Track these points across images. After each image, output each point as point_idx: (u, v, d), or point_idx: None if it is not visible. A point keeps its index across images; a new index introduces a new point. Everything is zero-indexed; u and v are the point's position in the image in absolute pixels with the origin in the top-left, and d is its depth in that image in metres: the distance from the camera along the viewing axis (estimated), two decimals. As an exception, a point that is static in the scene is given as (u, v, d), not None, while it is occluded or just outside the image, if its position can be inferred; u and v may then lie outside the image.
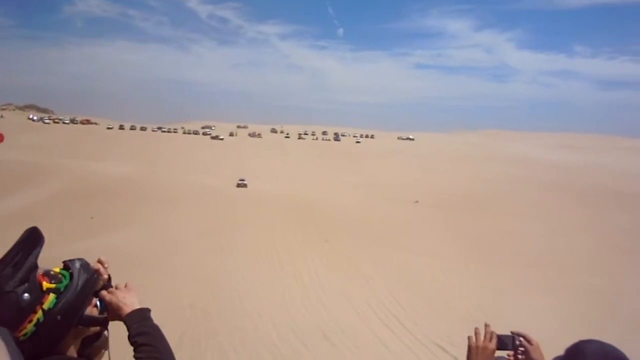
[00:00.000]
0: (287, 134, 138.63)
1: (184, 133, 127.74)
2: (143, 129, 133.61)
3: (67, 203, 45.69)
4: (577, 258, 38.22)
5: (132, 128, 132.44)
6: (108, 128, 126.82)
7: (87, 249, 30.57)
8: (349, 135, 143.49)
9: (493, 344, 1.96)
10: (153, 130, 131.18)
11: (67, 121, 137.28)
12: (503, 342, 1.98)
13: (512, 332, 1.99)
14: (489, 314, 27.30)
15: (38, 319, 1.64)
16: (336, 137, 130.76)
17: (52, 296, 1.70)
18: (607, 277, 34.15)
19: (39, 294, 1.67)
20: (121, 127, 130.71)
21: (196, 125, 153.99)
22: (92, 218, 42.66)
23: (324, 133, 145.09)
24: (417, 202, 53.40)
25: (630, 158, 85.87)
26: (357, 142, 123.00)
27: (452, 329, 24.50)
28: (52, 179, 55.51)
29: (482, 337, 1.96)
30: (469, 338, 2.01)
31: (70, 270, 1.85)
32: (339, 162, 77.58)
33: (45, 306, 1.66)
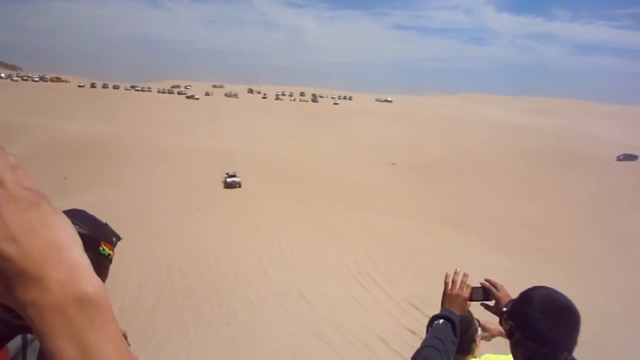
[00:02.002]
0: (265, 94, 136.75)
1: (158, 92, 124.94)
2: (116, 87, 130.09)
3: (39, 163, 44.72)
4: (546, 220, 39.34)
5: (104, 86, 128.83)
6: (79, 86, 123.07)
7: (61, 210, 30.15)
8: (326, 97, 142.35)
9: (466, 293, 2.08)
10: (126, 89, 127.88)
11: (36, 79, 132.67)
12: (476, 294, 2.08)
13: (482, 283, 2.08)
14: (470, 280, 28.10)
15: None
16: (314, 99, 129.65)
17: None
18: (575, 239, 35.35)
19: None
20: (93, 86, 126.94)
21: (170, 85, 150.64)
22: (65, 178, 41.93)
23: (302, 94, 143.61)
24: (393, 164, 53.79)
25: (600, 123, 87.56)
26: (335, 103, 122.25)
27: (425, 288, 25.19)
28: (23, 138, 54.05)
29: (457, 286, 2.08)
30: (445, 284, 2.14)
31: None
32: (317, 123, 77.23)
33: None
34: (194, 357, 18.12)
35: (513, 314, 1.69)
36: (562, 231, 37.09)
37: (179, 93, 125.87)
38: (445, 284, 2.13)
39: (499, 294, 2.04)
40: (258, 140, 63.26)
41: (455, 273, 2.14)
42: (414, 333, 20.65)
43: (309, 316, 22.17)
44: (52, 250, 0.52)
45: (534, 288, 1.70)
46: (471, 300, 2.06)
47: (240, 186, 42.14)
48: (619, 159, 58.91)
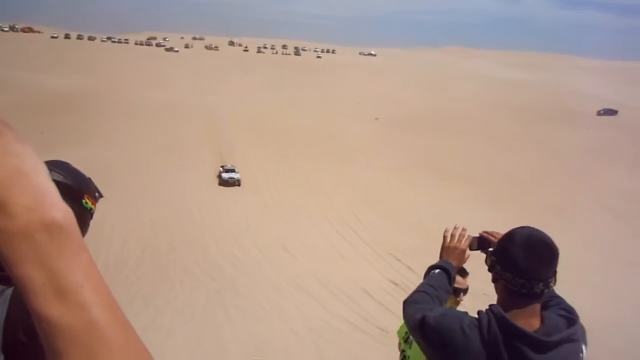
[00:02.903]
0: (246, 47, 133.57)
1: (136, 44, 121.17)
2: (91, 38, 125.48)
3: (13, 118, 43.40)
4: (528, 174, 39.94)
5: (79, 38, 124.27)
6: (52, 37, 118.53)
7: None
8: (309, 50, 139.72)
9: (464, 245, 2.15)
10: (102, 41, 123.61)
11: (5, 28, 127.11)
12: (476, 244, 2.13)
13: (480, 234, 2.13)
14: (444, 227, 28.66)
15: None
16: (296, 52, 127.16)
17: None
18: (555, 192, 36.06)
19: None
20: (67, 37, 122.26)
21: (147, 36, 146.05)
22: (42, 133, 40.99)
23: (284, 47, 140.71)
24: (377, 119, 53.58)
25: (584, 78, 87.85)
26: (318, 57, 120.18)
27: (407, 240, 25.70)
28: (-5, 91, 52.31)
29: (455, 239, 2.16)
30: (444, 238, 2.23)
31: None
32: (300, 77, 76.03)
33: None
34: (180, 310, 18.39)
35: (496, 250, 1.77)
36: (543, 184, 37.78)
37: (157, 45, 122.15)
38: (444, 237, 2.21)
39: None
40: (241, 94, 62.26)
41: (455, 228, 2.20)
42: (396, 284, 21.18)
43: (294, 269, 22.54)
44: (18, 176, 0.50)
45: (518, 227, 1.77)
46: (471, 249, 2.13)
47: (239, 184, 33.45)
48: (599, 113, 59.45)
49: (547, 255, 1.69)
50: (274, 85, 70.01)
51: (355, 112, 55.64)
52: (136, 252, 23.06)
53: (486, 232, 2.12)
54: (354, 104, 58.98)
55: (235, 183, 33.40)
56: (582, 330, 1.77)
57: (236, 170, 34.55)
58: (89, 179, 1.70)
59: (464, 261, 2.19)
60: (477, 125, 51.99)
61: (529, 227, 1.76)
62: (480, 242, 2.13)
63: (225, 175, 33.79)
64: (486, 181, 37.74)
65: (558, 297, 1.91)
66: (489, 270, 1.76)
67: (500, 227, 2.05)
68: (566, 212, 31.81)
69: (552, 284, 1.69)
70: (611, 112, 59.65)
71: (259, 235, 25.72)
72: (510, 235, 1.73)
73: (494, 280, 1.76)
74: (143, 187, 30.86)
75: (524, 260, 1.66)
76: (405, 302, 1.93)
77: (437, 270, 2.06)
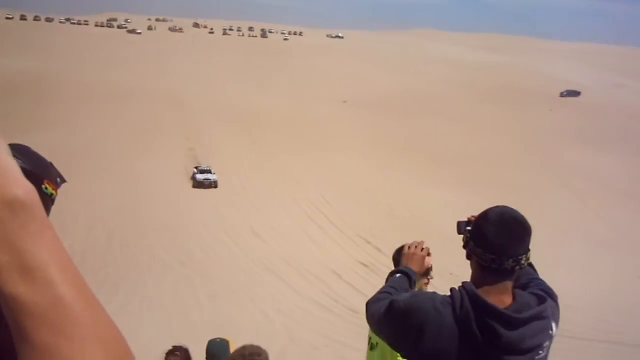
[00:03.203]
0: (211, 29, 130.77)
1: (96, 26, 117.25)
2: (49, 20, 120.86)
3: (-32, 102, 41.76)
4: (493, 155, 40.73)
5: (36, 19, 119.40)
6: (7, 18, 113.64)
7: None
8: (276, 32, 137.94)
9: (424, 252, 2.23)
10: (60, 22, 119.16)
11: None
12: (462, 226, 2.12)
13: (468, 218, 2.13)
14: (412, 208, 29.12)
15: None
16: (263, 34, 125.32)
17: None
18: (520, 172, 36.94)
19: None
20: (23, 18, 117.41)
21: (108, 17, 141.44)
22: (-2, 119, 39.46)
23: (250, 29, 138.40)
24: (345, 102, 53.53)
25: (548, 60, 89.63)
26: (285, 39, 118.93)
27: (377, 223, 26.00)
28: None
29: (413, 247, 2.23)
30: (403, 247, 2.30)
31: None
32: (267, 60, 75.12)
33: None
34: (149, 296, 18.23)
35: (471, 228, 1.82)
36: (508, 165, 38.63)
37: (118, 27, 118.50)
38: (404, 246, 2.27)
39: None
40: (207, 78, 61.14)
41: (414, 243, 2.28)
42: (365, 265, 21.49)
43: (263, 253, 22.55)
44: None
45: (493, 206, 1.81)
46: (459, 232, 2.12)
47: (216, 186, 31.12)
48: (562, 95, 60.91)
49: (517, 232, 1.72)
50: (241, 68, 69.09)
51: (324, 95, 55.54)
52: (102, 239, 22.66)
53: (473, 216, 2.19)
54: (322, 87, 58.82)
55: (211, 185, 30.92)
56: (554, 308, 1.81)
57: (212, 170, 31.90)
58: (50, 163, 1.63)
59: (424, 267, 2.25)
60: (445, 108, 52.62)
61: (504, 205, 1.80)
62: (468, 226, 2.13)
63: (199, 177, 31.30)
64: (455, 162, 38.39)
65: (538, 279, 1.94)
66: (464, 247, 1.80)
67: (466, 206, 2.09)
68: (530, 192, 32.65)
69: (523, 261, 1.71)
70: (574, 93, 61.20)
71: (228, 220, 25.62)
72: (484, 213, 1.77)
73: (467, 256, 1.79)
74: (108, 172, 30.19)
75: (494, 236, 1.69)
76: (368, 303, 1.95)
77: (397, 275, 2.09)
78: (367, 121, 47.13)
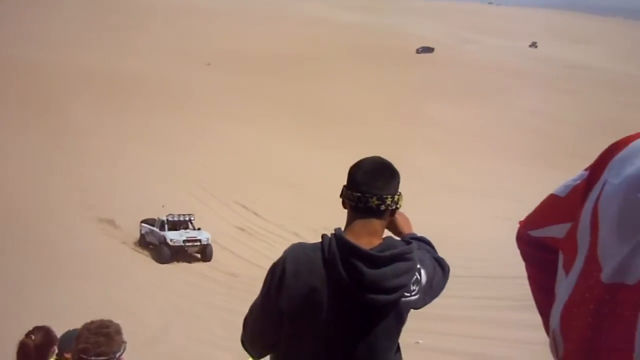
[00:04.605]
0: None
1: None
2: None
3: None
4: (359, 111, 42.44)
5: None
6: None
7: None
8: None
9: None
10: None
11: None
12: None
13: None
14: (290, 171, 29.62)
15: None
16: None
17: None
18: (384, 128, 39.09)
19: None
20: None
21: None
22: None
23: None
24: (209, 64, 51.76)
25: (407, 18, 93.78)
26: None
27: (261, 190, 25.97)
28: None
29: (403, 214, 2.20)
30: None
31: None
32: (121, 18, 69.36)
33: None
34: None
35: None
36: (373, 121, 40.59)
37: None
38: None
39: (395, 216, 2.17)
40: (55, 44, 55.14)
41: None
42: (242, 230, 21.68)
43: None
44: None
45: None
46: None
47: (209, 256, 19.52)
48: (418, 51, 64.55)
49: (382, 173, 1.83)
50: (96, 30, 63.41)
51: (186, 57, 53.01)
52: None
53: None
54: (183, 48, 56.02)
55: (200, 250, 19.37)
56: (426, 256, 1.91)
57: (195, 226, 20.30)
58: None
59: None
60: (323, 69, 53.09)
61: (375, 156, 1.91)
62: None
63: (174, 238, 19.13)
64: (325, 122, 39.41)
65: (431, 251, 2.01)
66: (340, 195, 1.86)
67: (340, 164, 2.20)
68: (397, 146, 34.64)
69: (388, 201, 1.79)
70: (428, 49, 65.14)
71: (99, 199, 23.99)
72: (357, 163, 1.87)
73: (342, 204, 1.86)
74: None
75: (360, 176, 1.79)
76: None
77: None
78: (237, 84, 46.25)
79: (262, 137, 34.99)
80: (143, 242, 20.27)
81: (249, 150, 32.44)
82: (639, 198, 0.87)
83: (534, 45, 78.01)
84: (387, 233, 1.87)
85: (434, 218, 22.95)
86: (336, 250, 1.71)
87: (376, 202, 1.77)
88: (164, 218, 19.90)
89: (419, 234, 2.08)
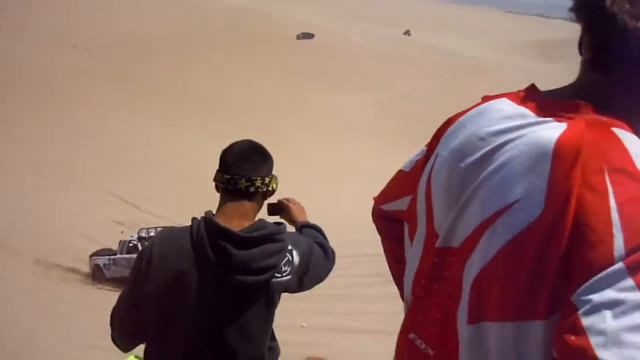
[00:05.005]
0: None
1: None
2: None
3: None
4: (245, 100, 42.02)
5: None
6: None
7: None
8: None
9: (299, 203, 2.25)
10: None
11: None
12: (273, 210, 2.21)
13: (279, 200, 2.22)
14: (171, 163, 28.60)
15: None
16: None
17: None
18: (273, 116, 39.05)
19: None
20: None
21: None
22: None
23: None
24: (75, 47, 47.94)
25: (285, 4, 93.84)
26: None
27: (134, 180, 24.80)
28: None
29: (293, 200, 2.24)
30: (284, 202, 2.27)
31: None
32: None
33: None
34: None
35: None
36: (254, 107, 40.43)
37: None
38: (283, 203, 2.27)
39: (293, 207, 2.21)
40: None
41: None
42: (121, 224, 20.70)
43: None
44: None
45: None
46: (269, 214, 2.19)
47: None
48: (298, 37, 64.97)
49: (251, 155, 1.83)
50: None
51: (49, 40, 48.58)
52: None
53: (286, 199, 2.24)
54: (45, 29, 51.12)
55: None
56: (302, 238, 1.92)
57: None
58: None
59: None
60: (189, 52, 51.43)
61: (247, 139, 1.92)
62: (276, 208, 2.22)
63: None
64: (205, 107, 38.49)
65: (319, 237, 2.03)
66: (214, 179, 1.84)
67: (215, 151, 2.15)
68: (282, 133, 34.96)
69: (258, 183, 1.79)
70: (309, 35, 65.87)
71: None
72: (228, 146, 1.87)
73: (215, 187, 1.84)
74: None
75: (230, 158, 1.80)
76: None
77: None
78: (104, 68, 43.28)
79: (138, 125, 33.36)
80: (102, 278, 16.74)
81: (120, 136, 30.72)
82: (461, 167, 0.93)
83: (407, 33, 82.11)
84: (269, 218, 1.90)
85: (318, 201, 23.66)
86: (204, 233, 1.69)
87: (245, 184, 1.77)
88: (134, 237, 16.48)
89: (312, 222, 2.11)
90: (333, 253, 2.02)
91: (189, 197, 22.03)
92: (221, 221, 1.73)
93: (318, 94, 46.49)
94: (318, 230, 2.09)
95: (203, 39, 56.69)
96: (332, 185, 28.68)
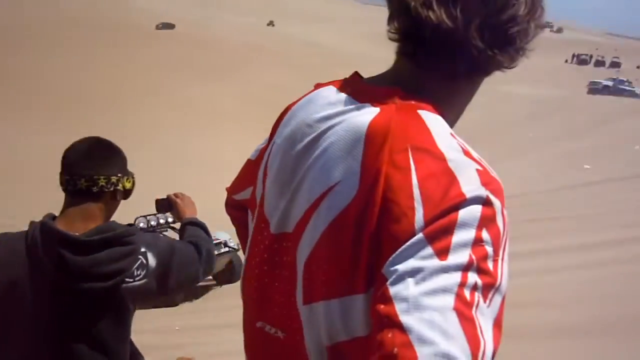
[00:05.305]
0: None
1: None
2: None
3: None
4: (115, 92, 39.28)
5: None
6: None
7: None
8: None
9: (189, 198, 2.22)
10: None
11: None
12: (161, 206, 2.15)
13: (168, 196, 2.16)
14: (13, 162, 26.04)
15: None
16: None
17: None
18: (140, 112, 36.95)
19: None
20: None
21: None
22: None
23: None
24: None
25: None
26: None
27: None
28: None
29: (181, 195, 2.23)
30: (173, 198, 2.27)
31: None
32: None
33: None
34: None
35: None
36: (113, 101, 38.09)
37: None
38: (171, 198, 2.26)
39: (181, 202, 2.20)
40: None
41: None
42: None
43: None
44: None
45: None
46: (158, 212, 2.18)
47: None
48: (158, 27, 62.33)
49: (93, 152, 1.73)
50: None
51: None
52: None
53: (175, 194, 2.23)
54: None
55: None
56: (161, 239, 1.84)
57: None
58: None
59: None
60: (51, 43, 47.07)
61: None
62: (164, 204, 2.20)
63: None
64: (65, 104, 35.59)
65: (200, 236, 1.98)
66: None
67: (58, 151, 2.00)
68: (155, 129, 33.21)
69: (102, 182, 1.68)
70: (169, 25, 63.50)
71: None
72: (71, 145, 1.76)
73: (63, 190, 1.74)
74: None
75: (70, 156, 1.70)
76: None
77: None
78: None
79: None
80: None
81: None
82: (292, 155, 0.95)
83: (271, 23, 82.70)
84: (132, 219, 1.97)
85: (206, 199, 23.23)
86: (38, 237, 1.58)
87: (85, 184, 1.66)
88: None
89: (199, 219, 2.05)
90: (209, 253, 1.93)
91: (37, 200, 20.41)
92: (62, 224, 1.63)
93: (184, 85, 45.19)
94: (203, 227, 2.02)
95: (52, 29, 52.11)
96: (205, 178, 28.27)
